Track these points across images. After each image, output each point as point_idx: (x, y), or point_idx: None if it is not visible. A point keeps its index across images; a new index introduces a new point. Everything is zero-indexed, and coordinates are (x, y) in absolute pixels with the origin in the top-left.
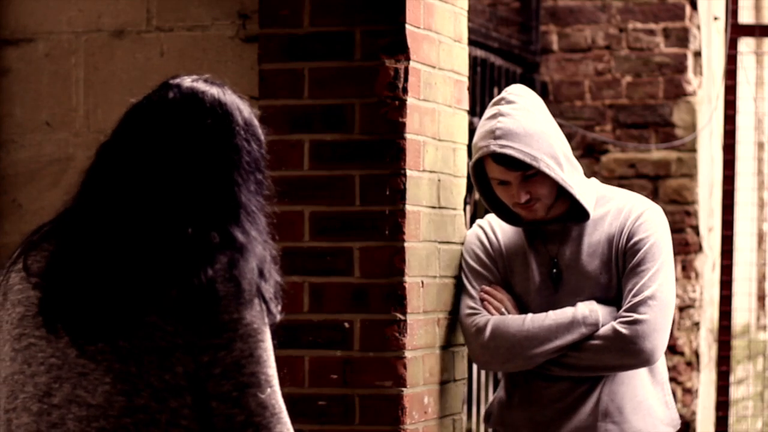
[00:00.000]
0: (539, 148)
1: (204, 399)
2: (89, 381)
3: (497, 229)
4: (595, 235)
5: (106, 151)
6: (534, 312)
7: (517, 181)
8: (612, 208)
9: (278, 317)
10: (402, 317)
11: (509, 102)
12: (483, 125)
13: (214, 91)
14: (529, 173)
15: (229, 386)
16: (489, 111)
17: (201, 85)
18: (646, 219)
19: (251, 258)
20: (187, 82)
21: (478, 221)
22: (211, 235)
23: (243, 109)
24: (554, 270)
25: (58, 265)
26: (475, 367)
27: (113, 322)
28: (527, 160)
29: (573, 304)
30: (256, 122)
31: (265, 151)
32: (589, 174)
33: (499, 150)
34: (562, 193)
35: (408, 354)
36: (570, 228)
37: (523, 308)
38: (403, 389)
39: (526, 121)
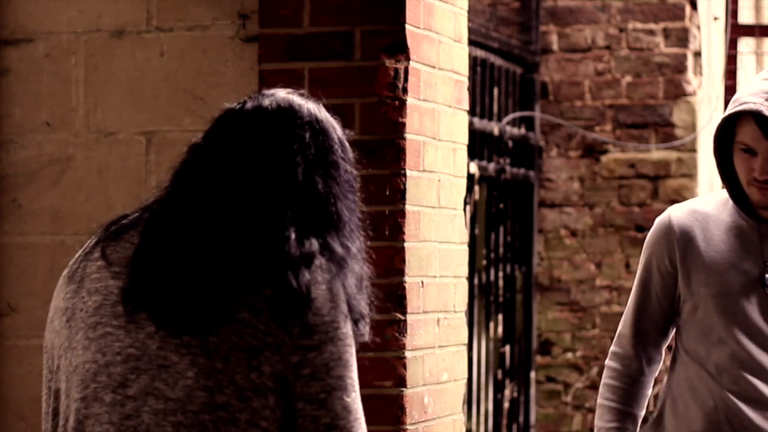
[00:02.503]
0: None
1: (289, 400)
2: (170, 374)
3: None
4: None
5: (198, 151)
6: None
7: (765, 153)
8: None
9: (366, 337)
10: (402, 317)
11: None
12: (756, 83)
13: (311, 105)
14: None
15: (318, 388)
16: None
17: (297, 99)
18: None
19: (348, 271)
20: (282, 93)
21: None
22: (311, 241)
23: (337, 128)
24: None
25: (147, 255)
26: (475, 367)
27: (205, 316)
28: None
29: None
30: (348, 145)
31: (357, 175)
32: (589, 174)
33: (767, 112)
34: None
35: (408, 354)
36: None
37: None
38: (403, 389)
39: None
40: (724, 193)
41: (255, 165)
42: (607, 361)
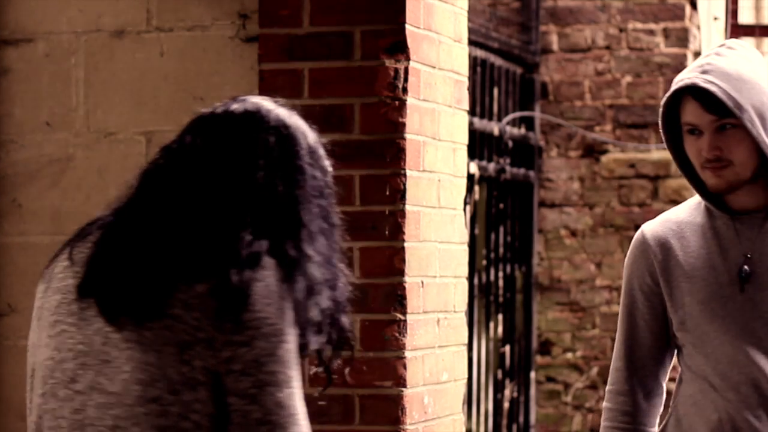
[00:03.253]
0: (749, 98)
1: (222, 395)
2: (111, 369)
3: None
4: None
5: (167, 153)
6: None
7: (710, 129)
8: None
9: (313, 346)
10: (402, 317)
11: (730, 48)
12: (693, 63)
13: (280, 112)
14: (725, 122)
15: (248, 383)
16: (706, 52)
17: (267, 104)
18: None
19: (298, 275)
20: (254, 99)
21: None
22: (262, 242)
23: (309, 135)
24: (745, 268)
25: (100, 253)
26: (475, 367)
27: (139, 311)
28: (729, 104)
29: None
30: (321, 152)
31: (330, 182)
32: (589, 174)
33: (702, 84)
34: (764, 173)
35: (408, 354)
36: None
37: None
38: (403, 389)
39: (744, 67)
40: (697, 198)
41: (218, 167)
42: (604, 402)
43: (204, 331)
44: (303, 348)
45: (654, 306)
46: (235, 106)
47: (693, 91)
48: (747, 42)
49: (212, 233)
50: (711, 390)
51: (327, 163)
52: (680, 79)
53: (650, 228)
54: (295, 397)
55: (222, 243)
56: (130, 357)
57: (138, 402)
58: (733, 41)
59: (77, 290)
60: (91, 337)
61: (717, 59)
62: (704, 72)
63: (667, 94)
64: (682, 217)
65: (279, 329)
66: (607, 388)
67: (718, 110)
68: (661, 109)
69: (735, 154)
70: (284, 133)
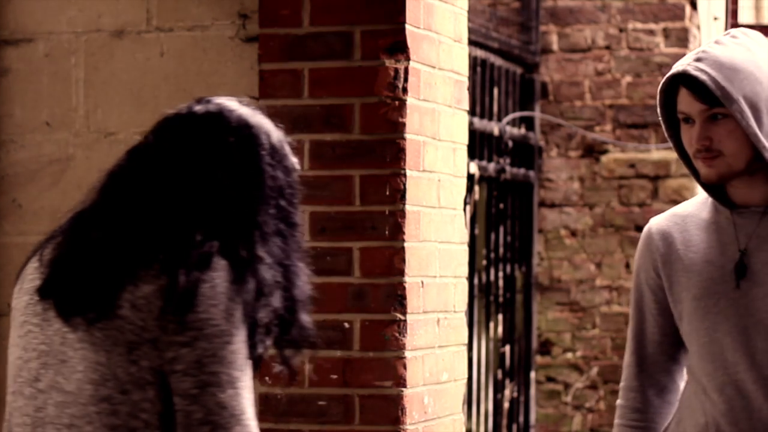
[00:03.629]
0: (741, 88)
1: (169, 395)
2: (67, 368)
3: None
4: None
5: (132, 154)
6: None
7: (700, 118)
8: None
9: (259, 350)
10: (402, 317)
11: (734, 37)
12: (693, 51)
13: (243, 111)
14: (716, 111)
15: (190, 383)
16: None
17: (230, 105)
18: None
19: (249, 276)
20: (218, 99)
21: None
22: (213, 243)
23: (273, 134)
24: (740, 264)
25: (60, 254)
26: (475, 367)
27: (90, 311)
28: (718, 93)
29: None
30: (286, 151)
31: (294, 181)
32: (589, 174)
33: (692, 71)
34: (763, 166)
35: (408, 354)
36: None
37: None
38: (403, 389)
39: (740, 56)
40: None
41: (177, 168)
42: (618, 399)
43: (150, 331)
44: (255, 348)
45: (660, 300)
46: (198, 108)
47: (684, 79)
48: (753, 32)
49: (165, 234)
50: (701, 392)
51: (292, 163)
52: (675, 67)
53: (656, 222)
54: (240, 397)
55: (173, 244)
56: (84, 357)
57: (90, 401)
58: (740, 30)
59: (38, 291)
60: (51, 337)
61: (714, 48)
62: (698, 60)
63: (662, 82)
64: (689, 210)
65: (223, 330)
66: (620, 384)
67: (708, 99)
68: (658, 97)
69: (725, 144)
70: (245, 133)
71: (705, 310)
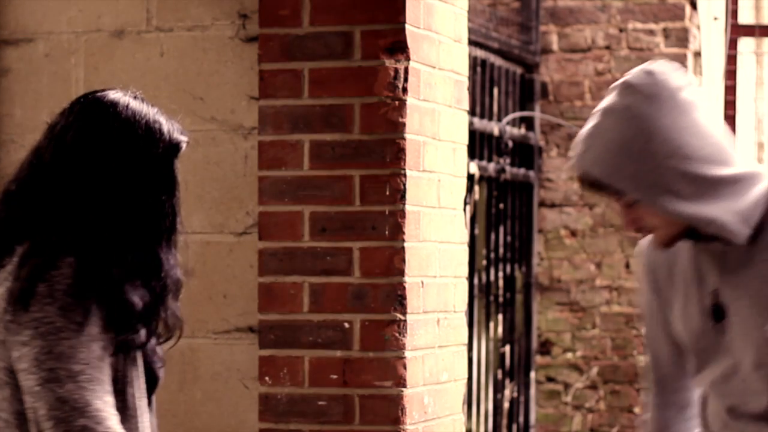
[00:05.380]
0: (637, 172)
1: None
2: None
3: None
4: None
5: (41, 138)
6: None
7: (619, 205)
8: None
9: (137, 339)
10: (402, 317)
11: (622, 94)
12: (586, 125)
13: (120, 102)
14: (627, 199)
15: (33, 381)
16: (604, 99)
17: (111, 96)
18: None
19: (92, 261)
20: (104, 92)
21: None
22: (63, 241)
23: (148, 124)
24: (715, 305)
25: None
26: (475, 367)
27: None
28: (615, 187)
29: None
30: (165, 143)
31: (160, 164)
32: None
33: (579, 172)
34: None
35: (408, 354)
36: (738, 249)
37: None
38: (403, 389)
39: (630, 128)
40: None
41: (49, 162)
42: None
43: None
44: (132, 337)
45: (666, 319)
46: (80, 98)
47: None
48: (651, 75)
49: (19, 233)
50: (702, 414)
51: (164, 154)
52: (571, 149)
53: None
54: (84, 390)
55: (25, 243)
56: None
57: None
58: (635, 80)
59: None
60: None
61: (598, 128)
62: (586, 150)
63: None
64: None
65: (59, 327)
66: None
67: (610, 193)
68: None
69: (653, 222)
70: (114, 125)
71: (689, 339)
